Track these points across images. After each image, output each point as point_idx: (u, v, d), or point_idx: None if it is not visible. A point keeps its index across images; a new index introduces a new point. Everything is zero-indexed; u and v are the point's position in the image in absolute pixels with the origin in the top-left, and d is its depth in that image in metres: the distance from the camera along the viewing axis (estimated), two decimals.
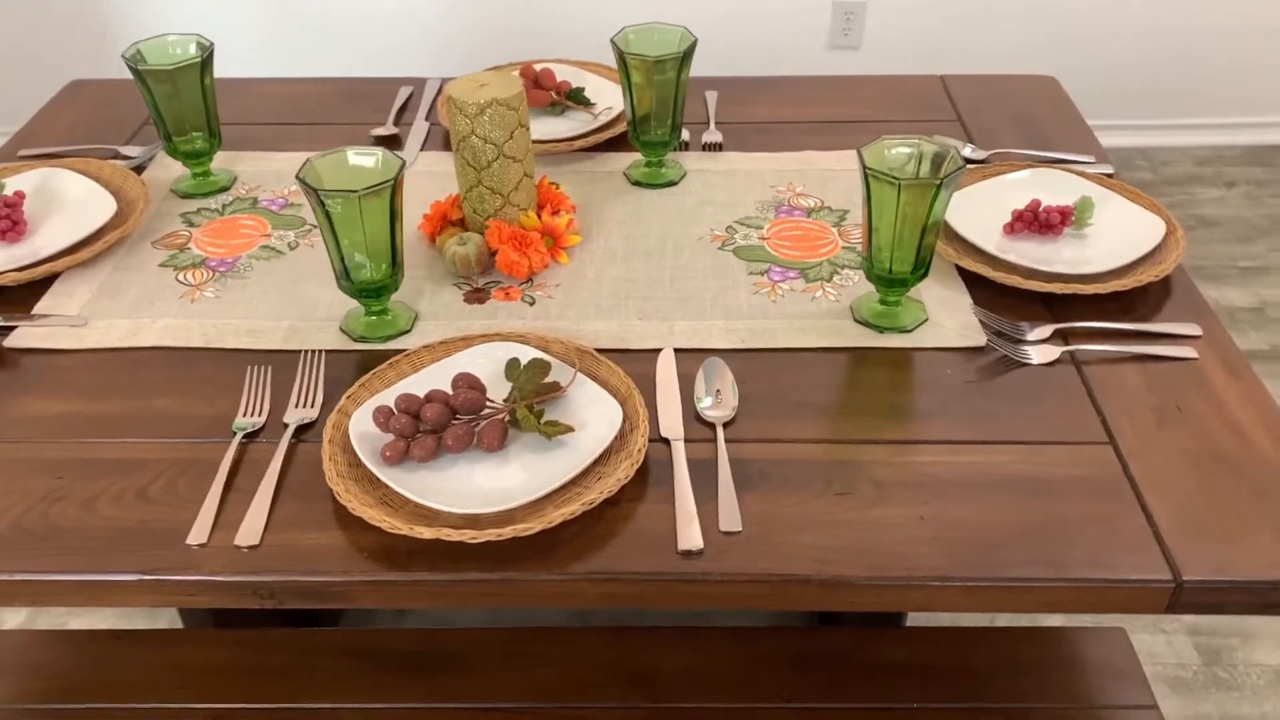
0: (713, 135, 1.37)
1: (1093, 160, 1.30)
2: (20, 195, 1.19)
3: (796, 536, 0.83)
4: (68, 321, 1.07)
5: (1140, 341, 1.02)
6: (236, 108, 1.45)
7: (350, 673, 1.19)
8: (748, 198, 1.25)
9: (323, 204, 0.95)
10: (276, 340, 1.04)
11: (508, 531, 0.81)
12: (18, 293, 1.12)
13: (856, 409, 0.96)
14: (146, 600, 0.84)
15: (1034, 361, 0.99)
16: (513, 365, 0.93)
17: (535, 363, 0.92)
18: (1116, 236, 1.13)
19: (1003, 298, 1.07)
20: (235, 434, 0.93)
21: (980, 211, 1.16)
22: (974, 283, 1.09)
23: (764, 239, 1.18)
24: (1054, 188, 1.19)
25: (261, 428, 0.94)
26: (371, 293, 1.03)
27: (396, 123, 1.42)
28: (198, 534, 0.84)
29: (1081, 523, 0.84)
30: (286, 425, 0.94)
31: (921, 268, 1.01)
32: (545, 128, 1.36)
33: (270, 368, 1.01)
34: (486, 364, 0.97)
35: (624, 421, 0.91)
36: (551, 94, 1.38)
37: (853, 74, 1.62)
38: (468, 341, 1.00)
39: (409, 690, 1.17)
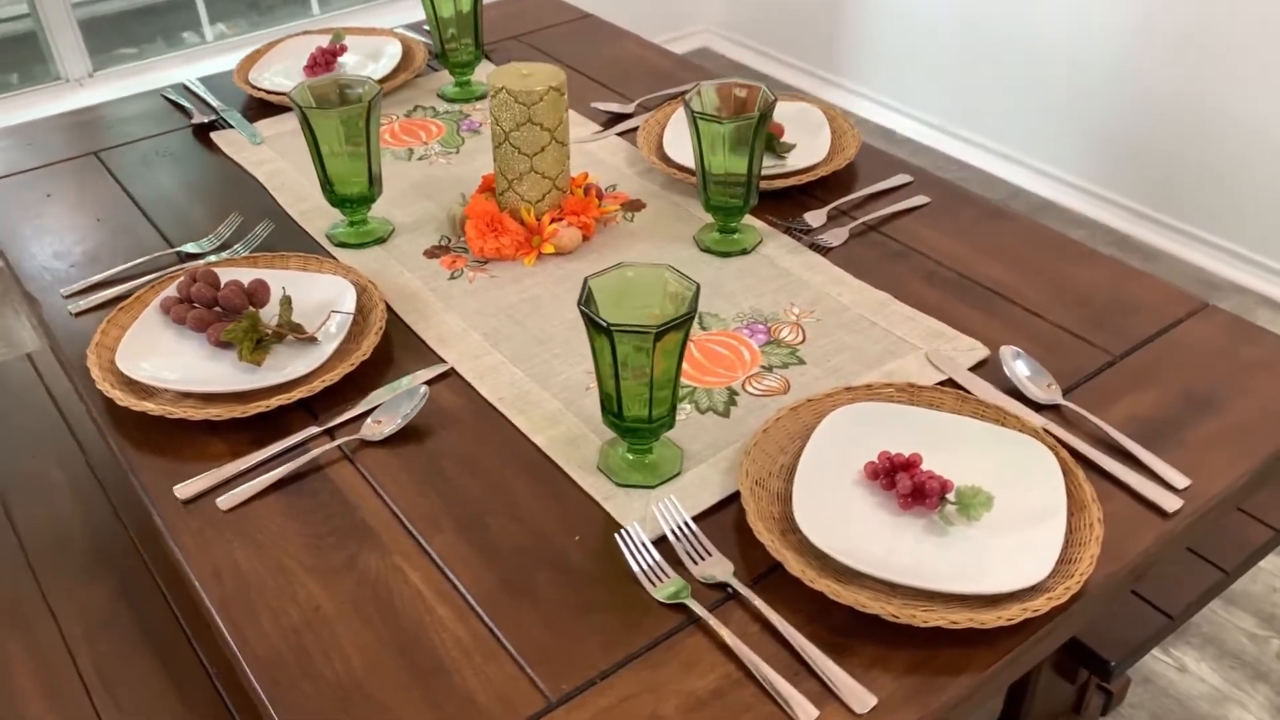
0: (834, 236, 1.18)
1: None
2: (343, 48, 1.54)
3: (236, 546, 0.84)
4: (249, 134, 1.40)
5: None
6: (571, 50, 1.62)
7: None
8: (754, 301, 1.09)
9: (304, 118, 1.12)
10: (299, 210, 1.25)
11: (117, 395, 0.95)
12: (273, 109, 1.47)
13: (461, 500, 0.87)
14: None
15: (654, 592, 0.79)
16: (282, 295, 1.02)
17: (285, 301, 1.01)
18: (987, 552, 0.79)
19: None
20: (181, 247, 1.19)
21: (905, 439, 0.88)
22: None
23: (690, 339, 1.04)
24: (1013, 467, 0.85)
25: (199, 254, 1.18)
26: (340, 202, 1.17)
27: (642, 105, 1.47)
28: (69, 289, 1.13)
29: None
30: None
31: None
32: None
33: (244, 219, 1.23)
34: (338, 291, 1.07)
35: (300, 380, 0.97)
36: None
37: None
38: (347, 270, 1.11)
39: None
